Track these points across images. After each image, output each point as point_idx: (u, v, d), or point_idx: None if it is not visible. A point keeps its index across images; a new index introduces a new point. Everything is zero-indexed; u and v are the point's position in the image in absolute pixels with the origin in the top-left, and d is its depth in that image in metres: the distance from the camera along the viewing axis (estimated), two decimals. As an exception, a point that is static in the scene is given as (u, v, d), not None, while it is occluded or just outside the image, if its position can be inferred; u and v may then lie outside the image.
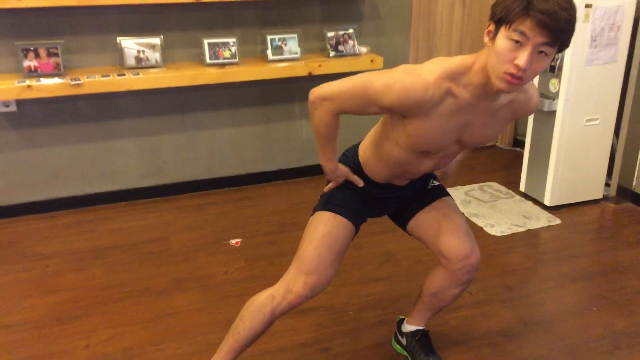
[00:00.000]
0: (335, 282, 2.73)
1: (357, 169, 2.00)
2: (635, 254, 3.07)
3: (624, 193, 3.58)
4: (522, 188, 3.69)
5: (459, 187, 3.80)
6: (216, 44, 3.33)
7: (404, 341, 2.29)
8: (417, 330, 2.26)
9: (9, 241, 3.13)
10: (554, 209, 3.50)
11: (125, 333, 2.43)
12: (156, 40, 3.26)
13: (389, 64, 3.80)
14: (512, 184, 3.82)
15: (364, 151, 2.01)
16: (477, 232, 3.25)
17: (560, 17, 1.48)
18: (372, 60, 3.58)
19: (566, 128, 3.35)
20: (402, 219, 2.13)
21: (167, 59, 3.33)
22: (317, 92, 1.80)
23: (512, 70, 1.54)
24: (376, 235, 3.20)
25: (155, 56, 3.24)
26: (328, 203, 2.00)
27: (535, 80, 3.43)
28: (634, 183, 3.53)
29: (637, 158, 3.49)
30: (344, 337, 2.43)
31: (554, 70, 3.27)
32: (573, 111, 3.32)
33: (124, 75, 3.12)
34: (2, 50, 3.07)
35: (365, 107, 1.76)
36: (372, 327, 2.48)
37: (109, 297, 2.67)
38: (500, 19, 1.53)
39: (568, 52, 3.20)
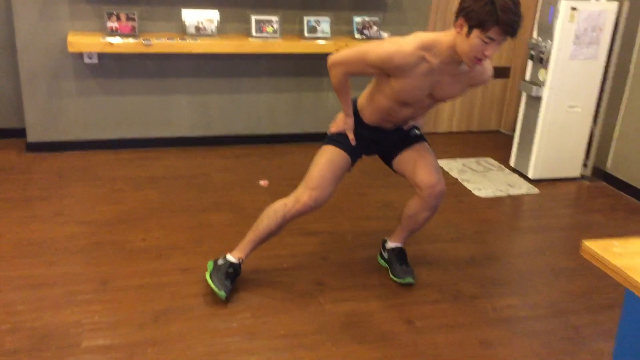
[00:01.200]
0: (340, 215, 3.43)
1: (355, 114, 2.66)
2: (596, 218, 3.65)
3: (599, 173, 4.14)
4: (511, 163, 4.28)
5: (458, 159, 4.42)
6: (261, 21, 4.03)
7: (385, 255, 2.94)
8: (396, 247, 2.91)
9: (84, 167, 3.89)
10: (536, 182, 4.08)
11: (173, 234, 3.15)
12: (213, 14, 3.97)
13: (406, 50, 4.44)
14: (505, 160, 4.41)
15: (361, 102, 2.68)
16: (465, 193, 3.87)
17: (517, 24, 2.20)
18: (391, 44, 4.23)
19: (550, 112, 3.93)
20: (389, 158, 2.79)
21: (221, 31, 4.03)
22: (332, 59, 2.52)
23: (481, 57, 2.26)
24: (380, 187, 3.85)
25: (211, 27, 3.96)
26: (332, 139, 2.68)
27: (528, 70, 4.03)
28: (608, 165, 4.09)
29: (611, 143, 4.05)
30: (340, 252, 3.10)
31: (542, 62, 3.87)
32: (557, 98, 3.91)
33: (185, 40, 3.85)
34: (91, 12, 3.83)
35: (364, 69, 2.47)
36: (364, 248, 3.14)
37: (161, 209, 3.39)
38: (474, 25, 2.20)
39: (555, 47, 3.79)
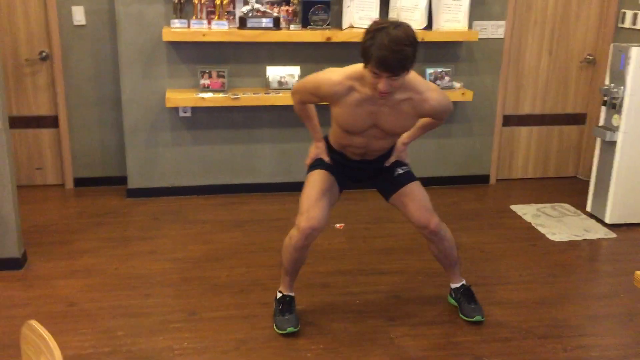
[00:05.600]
0: (411, 257, 3.56)
1: (326, 140, 2.83)
2: (675, 264, 3.57)
3: (681, 218, 4.05)
4: (588, 208, 4.27)
5: (532, 204, 4.45)
6: (339, 75, 4.31)
7: (453, 294, 3.04)
8: (459, 286, 2.99)
9: (176, 210, 4.24)
10: (614, 227, 4.05)
11: (255, 271, 3.39)
12: (294, 70, 4.30)
13: (478, 98, 4.60)
14: (582, 206, 4.38)
15: (329, 130, 2.82)
16: (539, 237, 3.90)
17: (391, 61, 2.29)
18: (462, 93, 4.40)
19: (625, 157, 3.93)
20: (385, 196, 2.90)
21: (301, 84, 4.35)
22: (292, 89, 2.74)
23: (379, 91, 2.38)
24: (451, 230, 3.95)
25: (292, 81, 4.28)
26: (311, 167, 2.84)
27: (602, 116, 4.07)
28: (691, 210, 4.01)
29: (693, 188, 3.98)
30: (412, 291, 3.22)
31: (615, 107, 3.90)
32: (632, 142, 3.91)
33: (269, 93, 4.19)
34: (187, 71, 4.26)
35: (310, 97, 2.67)
36: (434, 287, 3.24)
37: (245, 249, 3.66)
38: (363, 60, 2.36)
39: (627, 92, 3.82)
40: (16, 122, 4.44)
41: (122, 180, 4.50)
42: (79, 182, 4.61)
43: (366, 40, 2.32)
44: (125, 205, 4.31)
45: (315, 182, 2.74)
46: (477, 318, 2.89)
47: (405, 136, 2.84)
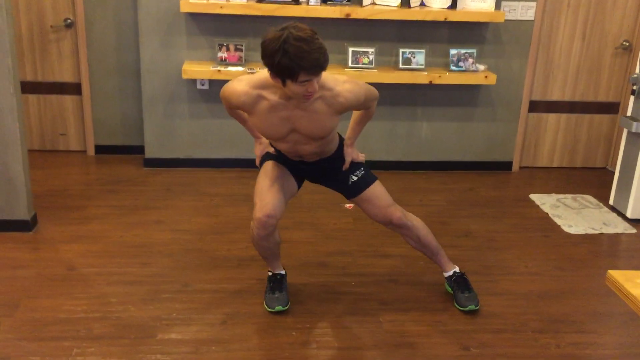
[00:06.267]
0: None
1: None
2: (695, 265, 3.40)
3: None
4: (611, 202, 4.10)
5: (553, 194, 4.29)
6: (358, 52, 4.23)
7: (448, 282, 2.97)
8: (453, 274, 2.93)
9: (189, 182, 4.28)
10: (635, 222, 3.87)
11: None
12: (313, 46, 4.23)
13: (503, 82, 4.46)
14: (606, 199, 4.21)
15: None
16: (553, 228, 3.77)
17: (319, 60, 2.22)
18: (486, 77, 4.26)
19: (652, 149, 3.74)
20: (345, 197, 2.84)
21: (319, 61, 4.29)
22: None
23: (307, 94, 2.30)
24: (463, 217, 3.87)
25: (310, 57, 4.22)
26: (261, 162, 2.79)
27: (630, 106, 3.88)
28: None
29: None
30: (410, 276, 3.17)
31: (644, 97, 3.71)
32: (660, 135, 3.72)
33: (285, 69, 4.15)
34: (205, 43, 4.25)
35: (228, 105, 2.58)
36: (434, 274, 3.16)
37: (250, 225, 3.65)
38: (282, 78, 2.25)
39: (658, 82, 3.62)
40: (41, 88, 4.56)
41: (142, 149, 4.56)
42: (100, 149, 4.69)
43: (278, 59, 2.20)
44: (141, 175, 4.37)
45: (265, 173, 2.72)
46: (471, 307, 2.82)
47: (347, 136, 2.78)
